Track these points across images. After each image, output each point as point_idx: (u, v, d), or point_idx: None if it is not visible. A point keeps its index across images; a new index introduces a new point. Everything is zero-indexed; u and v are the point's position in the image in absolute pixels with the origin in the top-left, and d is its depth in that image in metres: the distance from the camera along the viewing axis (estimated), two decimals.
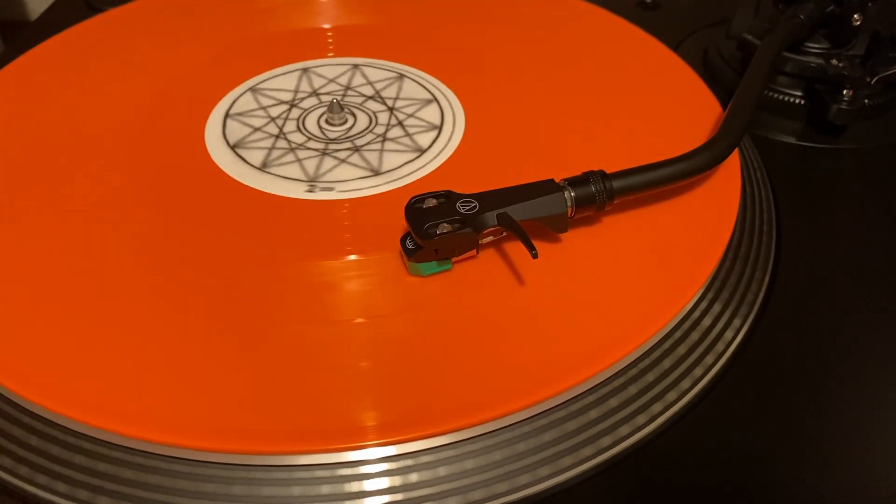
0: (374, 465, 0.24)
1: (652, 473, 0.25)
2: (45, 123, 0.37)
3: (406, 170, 0.34)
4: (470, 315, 0.28)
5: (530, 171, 0.31)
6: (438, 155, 0.35)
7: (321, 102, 0.38)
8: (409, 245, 0.28)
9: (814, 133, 0.40)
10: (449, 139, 0.36)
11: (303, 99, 0.38)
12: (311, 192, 0.33)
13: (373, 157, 0.35)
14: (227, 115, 0.37)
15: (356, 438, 0.24)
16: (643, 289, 0.28)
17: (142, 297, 0.28)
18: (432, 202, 0.29)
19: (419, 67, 0.41)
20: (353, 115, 0.37)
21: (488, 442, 0.25)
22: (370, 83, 0.40)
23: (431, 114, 0.37)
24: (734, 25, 0.43)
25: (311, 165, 0.34)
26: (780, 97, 0.41)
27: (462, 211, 0.28)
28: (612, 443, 0.26)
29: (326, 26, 0.44)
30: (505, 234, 0.29)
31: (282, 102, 0.38)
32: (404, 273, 0.29)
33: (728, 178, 0.33)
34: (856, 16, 0.39)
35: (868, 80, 0.39)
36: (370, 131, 0.36)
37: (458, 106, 0.38)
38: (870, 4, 0.39)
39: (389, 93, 0.39)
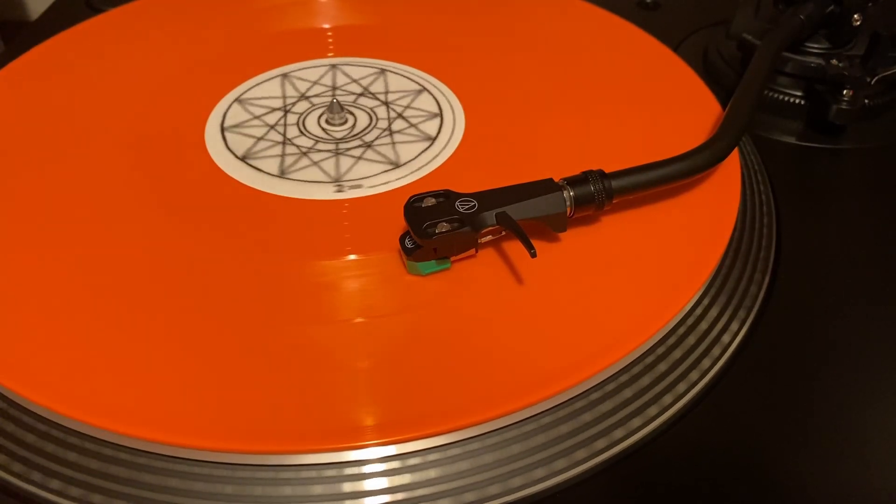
0: (373, 464, 0.24)
1: (648, 476, 0.25)
2: (46, 123, 0.37)
3: (424, 158, 0.34)
4: (469, 315, 0.28)
5: (529, 170, 0.31)
6: (449, 141, 0.35)
7: (314, 105, 0.38)
8: (408, 244, 0.28)
9: (814, 133, 0.40)
10: (453, 127, 0.36)
11: (294, 104, 0.38)
12: (340, 191, 0.33)
13: (388, 151, 0.35)
14: (223, 129, 0.37)
15: (355, 438, 0.24)
16: (643, 289, 0.28)
17: (141, 296, 0.28)
18: (431, 201, 0.29)
19: (410, 64, 0.41)
20: (352, 113, 0.37)
21: (488, 442, 0.25)
22: (355, 81, 0.40)
23: (426, 103, 0.37)
24: (734, 25, 0.43)
25: (329, 166, 0.34)
26: (780, 97, 0.41)
27: (461, 210, 0.28)
28: (606, 445, 0.26)
29: (300, 28, 0.44)
30: (504, 233, 0.29)
31: (274, 110, 0.38)
32: (403, 272, 0.29)
33: (728, 178, 0.33)
34: (856, 16, 0.39)
35: (868, 80, 0.39)
36: (375, 126, 0.36)
37: (453, 96, 0.38)
38: (870, 4, 0.39)
39: (377, 88, 0.39)
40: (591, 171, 0.30)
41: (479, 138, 0.36)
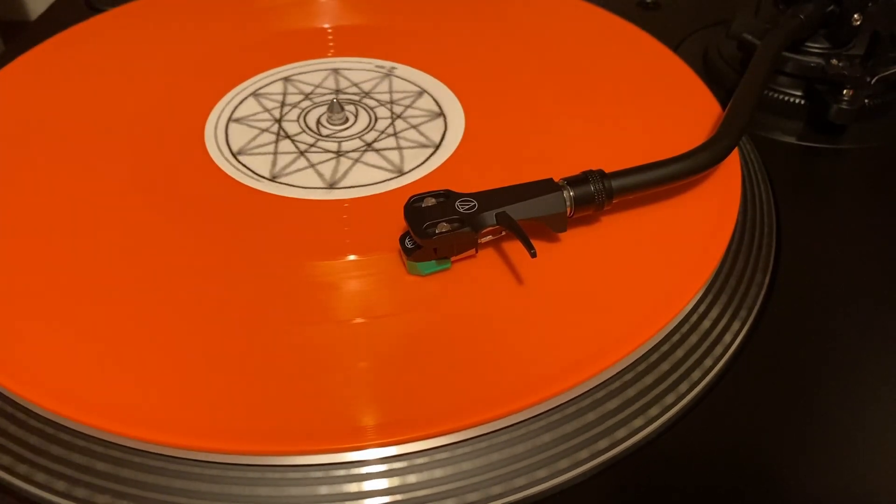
0: (374, 465, 0.24)
1: (650, 475, 0.25)
2: (45, 123, 0.37)
3: (427, 158, 0.35)
4: (469, 315, 0.28)
5: (530, 170, 0.31)
6: (450, 141, 0.36)
7: (314, 104, 0.38)
8: (409, 244, 0.28)
9: (814, 133, 0.40)
10: (450, 127, 0.36)
11: (297, 102, 0.38)
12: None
13: (393, 155, 0.35)
14: (229, 119, 0.37)
15: (356, 439, 0.24)
16: (643, 289, 0.28)
17: (141, 296, 0.28)
18: (431, 201, 0.29)
19: (411, 65, 0.41)
20: (354, 114, 0.37)
21: (489, 442, 0.25)
22: (355, 84, 0.40)
23: (427, 103, 0.37)
24: (734, 25, 0.43)
25: (326, 169, 0.34)
26: (780, 97, 0.41)
27: (461, 210, 0.28)
28: (608, 445, 0.26)
29: (301, 28, 0.44)
30: (504, 233, 0.29)
31: (272, 111, 0.38)
32: (403, 273, 0.29)
33: (728, 178, 0.33)
34: (856, 16, 0.39)
35: (868, 80, 0.39)
36: (372, 128, 0.36)
37: (453, 96, 0.38)
38: (870, 4, 0.39)
39: (381, 89, 0.39)
40: (591, 171, 0.30)
41: (479, 138, 0.36)
